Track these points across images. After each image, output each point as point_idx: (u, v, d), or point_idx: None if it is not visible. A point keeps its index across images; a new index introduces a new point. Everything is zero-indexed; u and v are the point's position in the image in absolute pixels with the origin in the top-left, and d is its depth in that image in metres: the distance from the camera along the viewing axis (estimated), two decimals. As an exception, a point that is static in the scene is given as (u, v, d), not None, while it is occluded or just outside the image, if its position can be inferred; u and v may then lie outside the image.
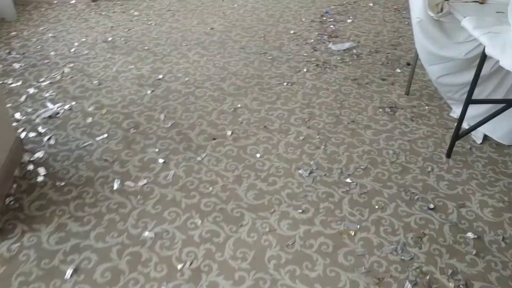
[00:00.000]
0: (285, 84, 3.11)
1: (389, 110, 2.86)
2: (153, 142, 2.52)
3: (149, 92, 2.96)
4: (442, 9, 2.19)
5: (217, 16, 4.11)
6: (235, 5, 4.35)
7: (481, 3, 2.14)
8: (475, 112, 2.56)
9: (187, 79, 3.12)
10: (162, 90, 2.99)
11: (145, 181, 2.25)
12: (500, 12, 2.05)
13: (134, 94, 2.94)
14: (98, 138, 2.53)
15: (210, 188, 2.22)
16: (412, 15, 2.43)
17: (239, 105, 2.86)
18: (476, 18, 1.93)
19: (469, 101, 2.29)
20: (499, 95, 2.53)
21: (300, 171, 2.34)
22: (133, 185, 2.23)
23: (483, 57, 2.09)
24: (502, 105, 2.35)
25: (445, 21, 2.33)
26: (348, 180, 2.30)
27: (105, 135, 2.55)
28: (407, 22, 4.09)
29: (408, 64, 3.41)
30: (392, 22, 4.11)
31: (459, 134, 2.43)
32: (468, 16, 1.97)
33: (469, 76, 2.45)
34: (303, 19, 4.10)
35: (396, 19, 4.19)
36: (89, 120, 2.68)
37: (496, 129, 2.56)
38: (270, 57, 3.44)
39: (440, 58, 2.43)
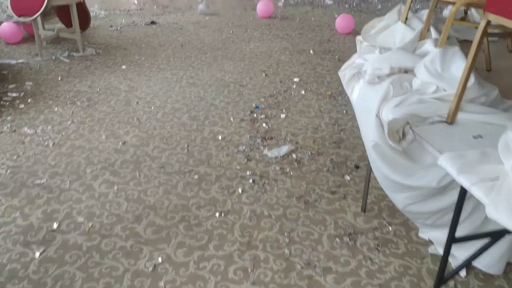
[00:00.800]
0: (217, 215, 2.50)
1: (348, 239, 2.32)
2: None
3: (37, 254, 2.21)
4: (404, 134, 1.73)
5: (131, 125, 3.49)
6: (152, 108, 3.77)
7: (450, 123, 1.70)
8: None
9: (90, 224, 2.42)
10: (56, 247, 2.26)
11: None
12: (478, 137, 1.60)
13: (16, 260, 2.18)
14: None
15: None
16: (364, 137, 1.96)
17: (159, 260, 2.19)
18: (457, 156, 1.46)
19: (452, 240, 1.80)
20: (478, 217, 2.07)
21: None
22: None
23: (463, 192, 1.63)
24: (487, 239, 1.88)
25: (406, 142, 1.87)
26: None
27: None
28: (345, 111, 3.71)
29: (357, 167, 2.95)
30: (329, 112, 3.71)
31: (443, 278, 1.92)
32: (445, 153, 1.49)
33: (443, 201, 1.99)
34: (232, 119, 3.59)
35: (333, 107, 3.81)
36: None
37: (481, 258, 2.08)
38: (197, 176, 2.85)
39: (405, 188, 1.95)
